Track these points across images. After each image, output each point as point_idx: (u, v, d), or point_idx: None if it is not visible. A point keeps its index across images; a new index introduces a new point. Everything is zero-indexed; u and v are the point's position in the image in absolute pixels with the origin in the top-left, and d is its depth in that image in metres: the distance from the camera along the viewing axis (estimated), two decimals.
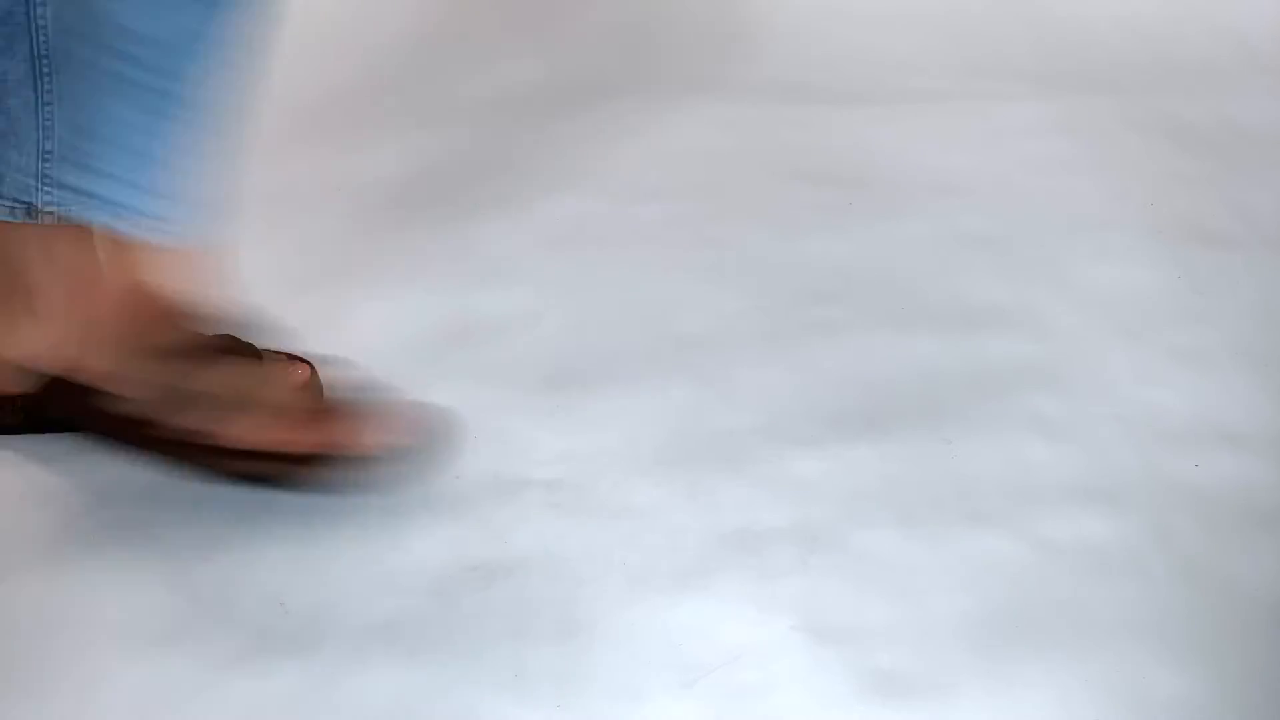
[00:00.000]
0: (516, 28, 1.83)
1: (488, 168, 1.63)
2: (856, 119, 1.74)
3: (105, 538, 1.09)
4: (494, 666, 0.98)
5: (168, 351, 1.10)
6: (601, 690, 0.97)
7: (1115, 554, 1.08)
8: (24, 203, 1.06)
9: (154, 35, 1.01)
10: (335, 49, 1.90)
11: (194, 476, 1.11)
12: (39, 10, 1.01)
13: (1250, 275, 1.43)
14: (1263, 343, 1.33)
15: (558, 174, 1.60)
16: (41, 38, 1.02)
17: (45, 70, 1.03)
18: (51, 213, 1.06)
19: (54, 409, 1.13)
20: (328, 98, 1.80)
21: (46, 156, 1.05)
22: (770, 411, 1.23)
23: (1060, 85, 1.86)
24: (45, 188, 1.06)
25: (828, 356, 1.31)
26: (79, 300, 1.10)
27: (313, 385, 1.15)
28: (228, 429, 1.09)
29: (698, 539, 1.09)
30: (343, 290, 1.40)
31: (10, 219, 1.07)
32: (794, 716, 0.95)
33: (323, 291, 1.40)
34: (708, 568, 1.07)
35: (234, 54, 1.05)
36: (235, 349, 1.13)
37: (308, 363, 1.16)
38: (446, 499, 1.13)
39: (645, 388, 1.26)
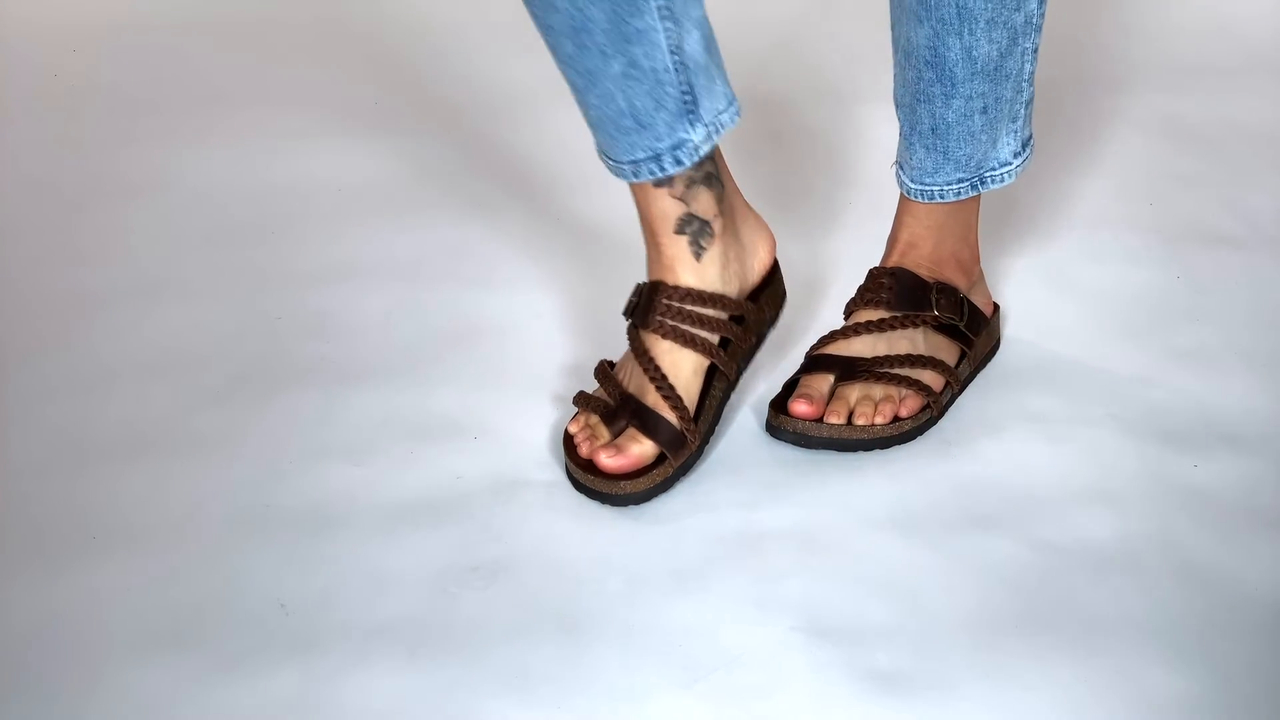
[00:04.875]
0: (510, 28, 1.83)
1: (484, 168, 1.63)
2: (855, 118, 1.74)
3: (106, 539, 1.09)
4: (494, 667, 0.98)
5: None
6: (601, 690, 0.97)
7: (1115, 554, 1.08)
8: None
9: None
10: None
11: None
12: None
13: (1250, 275, 1.43)
14: (1263, 343, 1.32)
15: (555, 173, 1.60)
16: None
17: None
18: None
19: None
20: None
21: None
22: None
23: (1061, 85, 1.86)
24: None
25: None
26: None
27: None
28: None
29: (698, 539, 1.09)
30: (340, 290, 1.41)
31: None
32: (794, 716, 0.95)
33: (321, 292, 1.41)
34: (708, 568, 1.07)
35: None
36: None
37: None
38: (446, 499, 1.13)
39: None
